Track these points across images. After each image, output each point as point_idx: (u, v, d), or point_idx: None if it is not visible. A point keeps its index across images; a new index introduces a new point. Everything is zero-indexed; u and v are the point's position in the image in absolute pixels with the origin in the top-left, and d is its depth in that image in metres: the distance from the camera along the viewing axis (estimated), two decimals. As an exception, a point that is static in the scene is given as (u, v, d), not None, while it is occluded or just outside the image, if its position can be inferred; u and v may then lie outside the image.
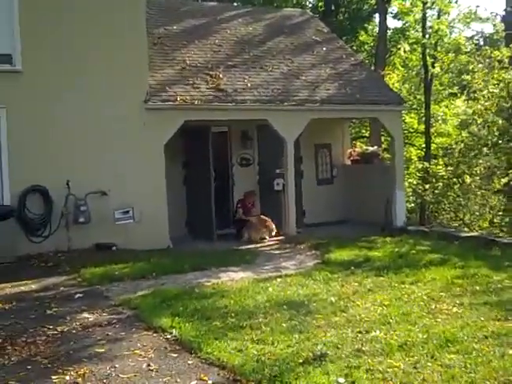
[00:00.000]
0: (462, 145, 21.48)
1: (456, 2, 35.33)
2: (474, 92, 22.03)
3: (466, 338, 6.97)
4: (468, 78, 24.30)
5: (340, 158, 18.48)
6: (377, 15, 29.79)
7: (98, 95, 13.35)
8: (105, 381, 6.11)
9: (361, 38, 32.00)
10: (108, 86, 13.45)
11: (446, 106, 30.16)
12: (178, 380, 6.09)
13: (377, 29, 30.41)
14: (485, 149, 20.38)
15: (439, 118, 29.37)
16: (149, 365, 6.48)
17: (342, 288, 9.66)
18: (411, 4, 30.35)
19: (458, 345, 6.73)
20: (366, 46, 32.94)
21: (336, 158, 18.35)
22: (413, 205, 24.18)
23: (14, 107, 12.64)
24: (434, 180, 21.59)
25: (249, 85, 15.55)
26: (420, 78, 32.04)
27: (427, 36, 29.47)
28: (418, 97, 31.58)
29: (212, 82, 15.14)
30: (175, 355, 6.79)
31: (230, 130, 16.55)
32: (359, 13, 31.36)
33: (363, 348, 6.70)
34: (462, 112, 24.05)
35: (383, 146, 23.53)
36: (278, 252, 13.60)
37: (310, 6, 31.58)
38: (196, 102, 14.32)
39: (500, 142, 20.45)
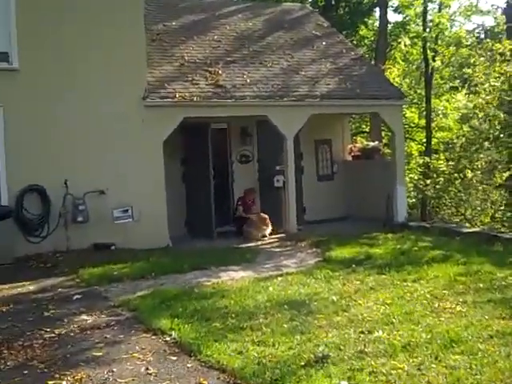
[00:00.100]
0: (464, 139, 21.34)
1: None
2: (476, 85, 21.89)
3: (470, 337, 6.83)
4: (469, 71, 24.20)
5: (340, 153, 18.34)
6: (377, 9, 29.58)
7: (95, 93, 13.21)
8: (102, 386, 6.01)
9: (361, 33, 31.82)
10: (106, 83, 13.30)
11: (447, 100, 30.06)
12: (177, 384, 5.97)
13: (377, 23, 30.22)
14: (486, 143, 20.26)
15: (440, 112, 29.25)
16: (147, 368, 6.35)
17: (343, 286, 9.52)
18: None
19: (463, 345, 6.59)
20: (366, 41, 32.75)
21: (336, 153, 18.22)
22: (414, 200, 24.07)
23: (10, 106, 12.49)
24: (435, 175, 21.46)
25: (248, 81, 15.41)
26: (420, 72, 31.93)
27: (428, 30, 29.35)
28: (419, 91, 31.47)
29: (211, 78, 14.99)
30: (174, 358, 6.66)
31: (230, 127, 16.40)
32: (359, 7, 31.15)
33: (366, 349, 6.56)
34: (463, 106, 23.94)
35: (384, 141, 23.39)
36: (278, 250, 13.46)
37: (310, 0, 31.35)
38: (195, 99, 14.18)
39: (501, 135, 20.31)
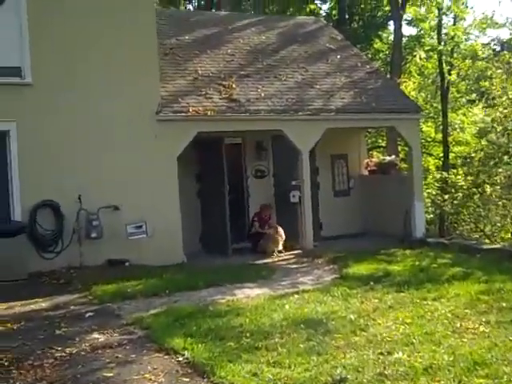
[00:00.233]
0: (482, 153, 21.02)
1: (472, 8, 34.99)
2: (493, 99, 21.62)
3: (494, 360, 6.56)
4: (486, 84, 23.95)
5: (357, 168, 18.11)
6: (391, 22, 29.42)
7: (109, 107, 13.10)
8: (111, 409, 5.82)
9: (375, 46, 31.66)
10: (119, 97, 13.19)
11: (464, 114, 29.77)
12: (189, 408, 5.78)
13: (391, 36, 30.06)
14: (505, 157, 19.94)
15: (457, 126, 28.97)
16: (159, 390, 6.16)
17: (361, 305, 9.28)
18: (426, 10, 30.07)
19: (487, 368, 6.32)
20: (380, 54, 32.58)
21: (353, 168, 17.99)
22: (432, 216, 23.74)
23: (23, 120, 12.42)
24: (453, 190, 21.15)
25: (262, 94, 15.26)
26: (436, 85, 31.69)
27: (443, 43, 29.14)
28: (435, 105, 31.22)
29: (225, 92, 14.86)
30: (187, 379, 6.46)
31: (244, 141, 16.24)
32: (373, 20, 31.04)
33: (386, 371, 6.32)
34: (480, 120, 23.67)
35: (400, 155, 23.14)
36: (295, 267, 13.25)
37: (324, 14, 31.29)
38: (209, 113, 14.04)
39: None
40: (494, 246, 14.98)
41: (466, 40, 31.34)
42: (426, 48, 30.96)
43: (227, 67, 16.11)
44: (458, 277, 10.99)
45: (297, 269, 12.98)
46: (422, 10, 30.34)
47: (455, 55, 30.29)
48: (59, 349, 7.60)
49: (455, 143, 28.76)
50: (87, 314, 9.43)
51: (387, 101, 16.71)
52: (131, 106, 13.29)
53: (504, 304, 8.99)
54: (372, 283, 10.71)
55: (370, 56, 28.82)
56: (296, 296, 9.97)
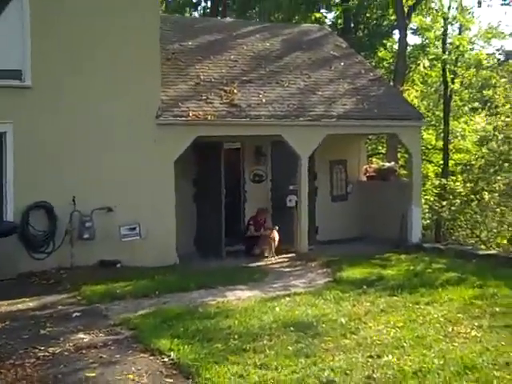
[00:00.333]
0: (483, 161, 20.90)
1: (477, 18, 34.94)
2: (496, 107, 21.50)
3: (485, 364, 6.43)
4: (489, 92, 23.86)
5: (356, 174, 17.98)
6: (396, 31, 29.33)
7: (108, 111, 12.95)
8: (90, 410, 5.67)
9: (380, 54, 31.55)
10: (119, 101, 13.05)
11: (466, 122, 29.65)
12: (170, 410, 5.64)
13: (396, 45, 29.97)
14: (506, 165, 19.81)
15: (458, 134, 28.84)
16: (141, 391, 6.01)
17: (353, 308, 9.16)
18: (432, 20, 30.00)
19: (477, 372, 6.19)
20: (384, 63, 32.45)
21: (351, 174, 17.86)
22: (428, 221, 23.60)
23: (21, 122, 12.27)
24: (451, 197, 21.01)
25: (264, 100, 15.13)
26: (439, 94, 31.57)
27: (447, 52, 29.06)
28: (437, 113, 31.09)
29: (226, 97, 14.74)
30: (171, 380, 6.34)
31: (244, 146, 16.12)
32: (379, 29, 30.94)
33: (374, 375, 6.20)
34: (481, 128, 23.56)
35: (400, 162, 23.00)
36: (288, 270, 13.12)
37: (329, 23, 31.18)
38: (209, 118, 13.91)
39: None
40: (489, 252, 14.89)
41: (470, 50, 31.26)
42: (431, 57, 30.84)
43: (230, 73, 15.99)
44: (452, 282, 10.88)
45: (290, 272, 12.84)
46: (428, 19, 30.27)
47: (459, 64, 30.17)
48: (42, 348, 7.47)
49: (455, 151, 28.63)
50: (74, 314, 9.29)
51: (389, 108, 16.60)
52: (130, 109, 13.15)
53: (497, 309, 8.89)
54: (365, 287, 10.58)
55: (373, 64, 28.69)
56: (287, 299, 9.84)
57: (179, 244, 13.72)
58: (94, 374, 6.54)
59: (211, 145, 14.57)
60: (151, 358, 7.11)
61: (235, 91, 14.98)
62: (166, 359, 6.98)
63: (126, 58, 13.20)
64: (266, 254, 14.40)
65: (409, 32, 29.70)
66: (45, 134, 12.53)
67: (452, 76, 29.29)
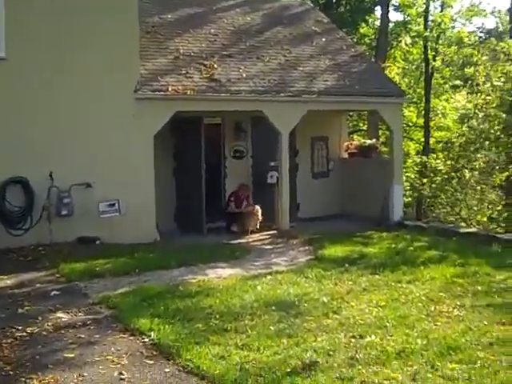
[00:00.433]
0: (463, 139, 20.89)
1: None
2: (477, 85, 21.45)
3: (469, 344, 6.39)
4: (470, 70, 23.80)
5: (337, 151, 17.89)
6: (378, 8, 29.12)
7: (85, 83, 12.66)
8: (69, 391, 5.55)
9: (361, 31, 31.34)
10: (96, 73, 12.77)
11: (446, 100, 29.63)
12: (151, 391, 5.53)
13: (378, 22, 29.77)
14: (486, 143, 19.82)
15: (439, 111, 28.82)
16: (121, 373, 5.89)
17: (335, 287, 9.09)
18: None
19: (461, 353, 6.14)
20: (366, 39, 32.26)
21: (333, 151, 17.77)
22: (410, 199, 23.63)
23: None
24: (432, 174, 21.01)
25: (244, 75, 14.92)
26: (420, 71, 31.49)
27: (429, 29, 28.93)
28: (418, 90, 31.03)
29: (206, 71, 14.50)
30: (151, 362, 6.21)
31: (224, 122, 15.92)
32: (361, 5, 30.65)
33: (357, 355, 6.12)
34: (462, 106, 23.53)
35: (381, 139, 22.93)
36: (269, 247, 13.02)
37: (311, -2, 30.86)
38: (188, 92, 13.68)
39: (502, 136, 19.87)
40: (470, 230, 14.90)
41: (452, 28, 31.17)
42: (412, 34, 30.73)
43: (210, 47, 15.74)
44: (433, 260, 10.86)
45: (271, 249, 12.76)
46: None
47: (441, 42, 30.07)
48: (20, 328, 7.30)
49: (436, 128, 28.63)
50: (53, 293, 9.11)
51: (371, 84, 16.47)
52: (108, 83, 12.86)
53: (479, 287, 8.88)
54: (347, 265, 10.53)
55: (355, 40, 28.49)
56: (269, 277, 9.75)
57: (160, 220, 13.60)
58: (72, 355, 6.40)
59: (191, 120, 14.38)
60: (131, 338, 6.99)
61: (215, 66, 14.75)
62: (146, 339, 6.86)
63: (104, 30, 12.88)
64: (250, 230, 14.30)
65: (391, 8, 29.55)
66: (20, 106, 12.21)
67: (433, 53, 29.19)
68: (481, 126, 20.71)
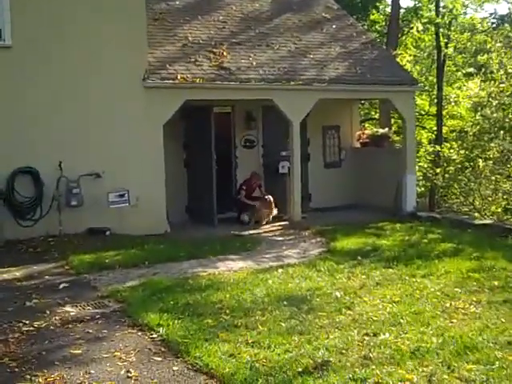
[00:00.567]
0: (478, 127, 20.59)
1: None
2: (491, 72, 21.13)
3: (486, 343, 6.18)
4: (484, 58, 23.48)
5: (349, 140, 17.69)
6: (389, -7, 28.73)
7: (93, 72, 12.54)
8: (75, 390, 5.42)
9: (372, 17, 30.96)
10: (104, 61, 12.65)
11: (459, 88, 29.26)
12: (159, 390, 5.39)
13: (388, 8, 29.39)
14: (501, 132, 19.52)
15: (451, 99, 28.47)
16: (128, 371, 5.75)
17: (347, 281, 8.91)
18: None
19: (478, 352, 5.94)
20: (377, 26, 31.89)
21: (345, 140, 17.56)
22: (422, 189, 23.37)
23: (2, 84, 11.86)
24: (445, 164, 20.75)
25: (254, 63, 14.72)
26: (432, 59, 31.13)
27: (441, 15, 28.55)
28: (430, 78, 30.68)
29: (215, 59, 14.32)
30: (159, 359, 6.07)
31: (234, 111, 15.73)
32: (372, -9, 30.29)
33: (371, 354, 5.94)
34: (475, 94, 23.19)
35: (393, 128, 22.66)
36: (280, 239, 12.86)
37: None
38: (197, 81, 13.50)
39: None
40: (485, 222, 14.65)
41: (464, 14, 30.77)
42: (424, 20, 30.32)
43: (218, 34, 15.54)
44: (448, 253, 10.65)
45: (283, 241, 12.60)
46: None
47: (453, 28, 29.67)
48: (27, 322, 7.20)
49: (449, 117, 28.28)
50: (61, 285, 9.01)
51: (382, 72, 16.23)
52: (116, 71, 12.74)
53: (496, 283, 8.65)
54: (360, 258, 10.35)
55: (365, 27, 28.17)
56: (280, 270, 9.59)
57: (171, 211, 13.48)
58: (79, 351, 6.28)
59: (201, 108, 14.20)
60: (139, 333, 6.86)
61: (224, 54, 14.56)
62: (154, 335, 6.74)
63: (110, 17, 12.72)
64: (264, 222, 14.17)
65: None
66: (29, 96, 12.09)
67: (445, 40, 28.83)
68: (494, 115, 20.40)
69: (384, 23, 30.78)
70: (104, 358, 6.10)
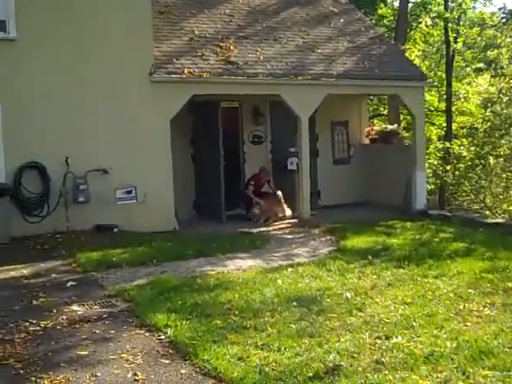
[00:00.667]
0: (488, 124, 20.38)
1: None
2: (501, 68, 20.92)
3: (502, 348, 6.01)
4: (493, 53, 23.24)
5: (358, 136, 17.54)
6: (398, -13, 28.49)
7: (98, 66, 12.45)
8: (81, 394, 5.32)
9: (380, 12, 30.71)
10: (110, 56, 12.56)
11: (469, 84, 29.01)
12: (166, 396, 5.28)
13: (397, 2, 29.17)
14: (512, 129, 19.37)
15: (461, 95, 28.21)
16: (135, 374, 5.62)
17: (358, 281, 8.76)
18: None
19: (494, 358, 5.77)
20: (385, 20, 31.62)
21: (353, 136, 17.41)
22: (432, 186, 23.18)
23: (7, 77, 11.75)
24: (455, 161, 20.56)
25: (261, 57, 14.58)
26: (441, 54, 30.87)
27: (450, 10, 28.28)
28: (439, 73, 30.42)
29: (222, 53, 14.19)
30: (167, 361, 5.94)
31: (241, 106, 15.59)
32: (379, -15, 30.05)
33: (383, 359, 5.79)
34: (484, 90, 22.97)
35: (402, 124, 22.46)
36: (290, 237, 12.73)
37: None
38: (204, 75, 13.38)
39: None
40: (497, 221, 14.51)
41: (473, 8, 30.50)
42: (432, 15, 30.06)
43: (225, 28, 15.40)
44: (460, 252, 10.49)
45: (292, 239, 12.47)
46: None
47: (462, 23, 29.39)
48: (34, 322, 7.08)
49: (458, 113, 28.04)
50: (69, 283, 8.90)
51: (391, 67, 16.07)
52: (122, 66, 12.65)
53: (510, 284, 8.45)
54: (370, 257, 10.19)
55: (373, 22, 27.93)
56: (290, 269, 9.45)
57: (179, 208, 13.40)
58: (86, 353, 6.16)
59: (208, 103, 14.07)
60: (147, 334, 6.73)
61: (231, 48, 14.43)
62: (162, 336, 6.61)
63: (116, 11, 12.61)
64: (273, 220, 14.07)
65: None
66: (35, 90, 11.99)
67: (454, 35, 28.56)
68: (505, 111, 20.20)
69: (392, 18, 30.54)
70: (111, 359, 5.99)
